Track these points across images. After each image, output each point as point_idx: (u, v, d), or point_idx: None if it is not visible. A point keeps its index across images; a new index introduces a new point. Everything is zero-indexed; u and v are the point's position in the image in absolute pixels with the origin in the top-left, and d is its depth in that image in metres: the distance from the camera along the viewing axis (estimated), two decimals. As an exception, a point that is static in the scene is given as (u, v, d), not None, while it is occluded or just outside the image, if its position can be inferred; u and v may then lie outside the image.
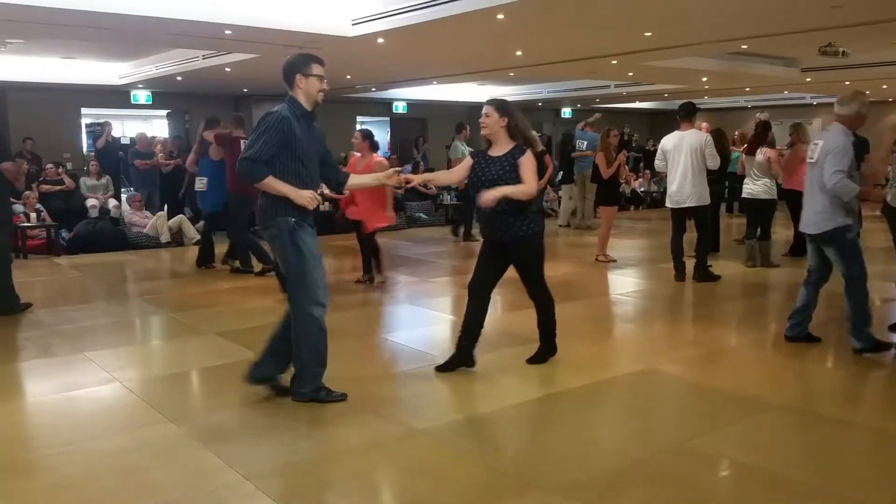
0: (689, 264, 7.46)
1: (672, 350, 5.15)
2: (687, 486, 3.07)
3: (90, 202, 11.39)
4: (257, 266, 7.94)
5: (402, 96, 18.49)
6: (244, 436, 3.60)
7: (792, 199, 8.86)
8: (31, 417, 4.01)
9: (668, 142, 7.41)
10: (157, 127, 18.64)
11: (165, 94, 15.50)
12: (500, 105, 4.33)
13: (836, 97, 4.87)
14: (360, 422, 3.73)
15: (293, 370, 3.96)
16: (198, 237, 10.67)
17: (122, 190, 13.42)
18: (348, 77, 13.31)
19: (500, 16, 7.60)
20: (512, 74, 13.65)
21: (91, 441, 3.52)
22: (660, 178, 15.64)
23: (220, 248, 8.61)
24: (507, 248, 4.36)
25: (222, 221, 8.44)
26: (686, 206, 7.27)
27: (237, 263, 8.18)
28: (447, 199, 13.59)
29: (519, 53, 10.60)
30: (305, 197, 3.76)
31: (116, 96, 14.96)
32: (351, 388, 4.06)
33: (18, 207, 9.86)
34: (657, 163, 7.66)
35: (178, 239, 10.72)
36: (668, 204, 7.51)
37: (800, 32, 8.85)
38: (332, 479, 3.21)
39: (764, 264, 8.22)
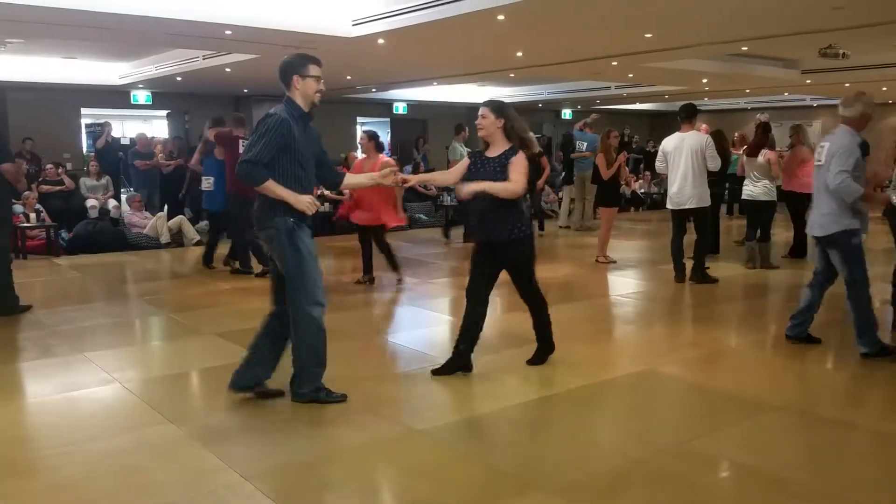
0: (690, 266, 7.46)
1: (672, 351, 5.15)
2: (687, 486, 3.07)
3: (90, 202, 11.39)
4: (257, 267, 7.94)
5: (403, 97, 18.50)
6: (244, 436, 3.60)
7: (792, 201, 8.87)
8: (32, 418, 4.01)
9: (669, 143, 7.41)
10: (157, 127, 18.65)
11: (165, 94, 15.50)
12: (496, 106, 4.33)
13: (840, 99, 4.86)
14: (360, 422, 3.73)
15: (293, 371, 3.96)
16: (198, 238, 10.69)
17: (122, 190, 13.41)
18: (348, 78, 13.31)
19: (501, 17, 7.60)
20: (512, 75, 13.66)
21: (91, 441, 3.52)
22: (660, 180, 15.64)
23: (222, 248, 8.60)
24: (497, 250, 4.35)
25: (223, 222, 8.44)
26: (687, 207, 7.27)
27: (237, 264, 8.18)
28: (447, 199, 13.58)
29: (519, 54, 10.60)
30: (304, 202, 3.75)
31: (116, 96, 14.97)
32: (351, 389, 4.06)
33: (18, 208, 9.86)
34: (658, 164, 7.66)
35: (177, 240, 10.71)
36: (668, 205, 7.50)
37: (800, 34, 8.85)
38: (332, 479, 3.21)
39: (764, 266, 8.21)
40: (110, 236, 10.41)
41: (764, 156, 8.08)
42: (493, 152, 4.33)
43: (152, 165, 12.22)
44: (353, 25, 8.59)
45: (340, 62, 10.31)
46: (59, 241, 10.18)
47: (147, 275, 8.64)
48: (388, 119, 19.56)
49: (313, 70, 3.84)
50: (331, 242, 10.25)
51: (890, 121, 18.29)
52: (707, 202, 7.33)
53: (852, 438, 3.65)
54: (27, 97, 13.91)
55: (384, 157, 7.29)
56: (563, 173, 12.46)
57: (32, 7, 7.02)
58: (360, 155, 7.22)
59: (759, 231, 8.25)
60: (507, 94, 16.96)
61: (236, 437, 3.60)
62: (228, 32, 8.40)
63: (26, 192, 10.07)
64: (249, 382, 3.97)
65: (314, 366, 3.90)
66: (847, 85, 13.51)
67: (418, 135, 18.57)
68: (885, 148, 12.61)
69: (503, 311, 6.03)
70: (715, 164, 7.21)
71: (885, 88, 15.01)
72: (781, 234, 9.93)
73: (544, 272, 8.27)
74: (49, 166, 11.87)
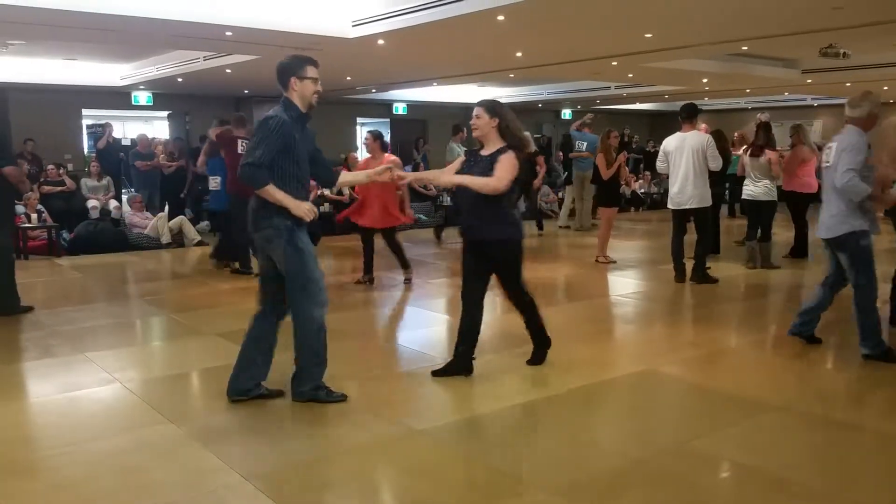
0: (690, 266, 7.46)
1: (672, 351, 5.15)
2: (687, 486, 3.08)
3: (91, 203, 11.41)
4: (257, 267, 7.94)
5: (403, 97, 18.51)
6: (244, 436, 3.61)
7: (792, 201, 8.86)
8: (33, 418, 4.01)
9: (670, 143, 7.41)
10: (158, 128, 18.65)
11: (166, 95, 15.52)
12: (490, 106, 4.33)
13: (846, 99, 4.83)
14: (360, 422, 3.73)
15: (293, 371, 3.96)
16: (198, 238, 10.70)
17: (123, 191, 13.43)
18: (348, 78, 13.31)
19: (501, 17, 7.61)
20: (512, 76, 13.66)
21: (92, 441, 3.53)
22: (659, 180, 15.64)
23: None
24: (484, 249, 4.32)
25: (223, 222, 8.46)
26: (687, 207, 7.27)
27: (237, 265, 8.18)
28: (447, 200, 13.57)
29: (519, 55, 10.60)
30: (303, 209, 3.76)
31: (117, 97, 14.99)
32: (351, 389, 4.07)
33: (19, 208, 9.86)
34: (659, 164, 7.66)
35: (178, 240, 10.72)
36: (669, 205, 7.50)
37: (800, 34, 8.85)
38: (332, 479, 3.22)
39: (764, 266, 8.21)
40: (111, 237, 10.43)
41: (765, 155, 8.08)
42: (486, 151, 4.34)
43: (153, 166, 12.23)
44: (354, 26, 8.60)
45: (340, 63, 10.32)
46: (61, 241, 10.19)
47: (148, 275, 8.65)
48: (388, 119, 19.56)
49: (310, 72, 3.84)
50: (331, 242, 10.25)
51: (891, 120, 18.23)
52: (708, 202, 7.32)
53: (853, 438, 3.65)
54: (29, 98, 13.95)
55: (390, 156, 7.27)
56: (566, 174, 12.46)
57: (35, 9, 7.04)
58: (361, 155, 7.20)
59: (759, 231, 8.26)
60: (507, 94, 16.96)
61: (236, 437, 3.60)
62: (229, 34, 8.41)
63: (27, 193, 10.09)
64: (248, 385, 3.97)
65: (314, 365, 3.90)
66: (848, 84, 13.51)
67: (418, 135, 18.58)
68: (888, 147, 12.59)
69: (503, 312, 6.02)
70: (716, 164, 7.21)
71: (885, 88, 15.00)
72: (782, 234, 9.93)
73: (544, 272, 8.33)
74: (50, 167, 11.89)
